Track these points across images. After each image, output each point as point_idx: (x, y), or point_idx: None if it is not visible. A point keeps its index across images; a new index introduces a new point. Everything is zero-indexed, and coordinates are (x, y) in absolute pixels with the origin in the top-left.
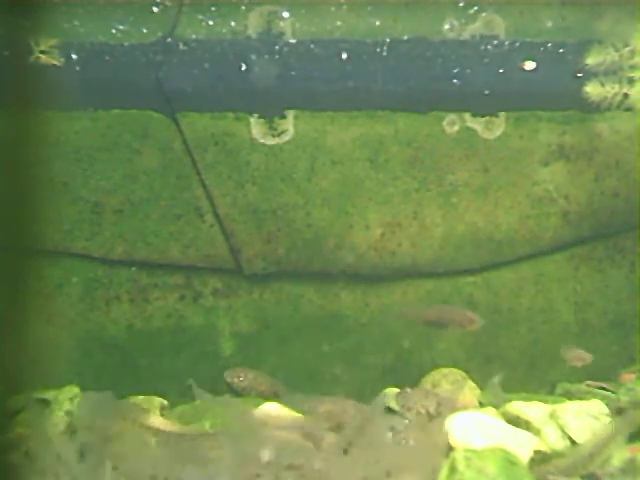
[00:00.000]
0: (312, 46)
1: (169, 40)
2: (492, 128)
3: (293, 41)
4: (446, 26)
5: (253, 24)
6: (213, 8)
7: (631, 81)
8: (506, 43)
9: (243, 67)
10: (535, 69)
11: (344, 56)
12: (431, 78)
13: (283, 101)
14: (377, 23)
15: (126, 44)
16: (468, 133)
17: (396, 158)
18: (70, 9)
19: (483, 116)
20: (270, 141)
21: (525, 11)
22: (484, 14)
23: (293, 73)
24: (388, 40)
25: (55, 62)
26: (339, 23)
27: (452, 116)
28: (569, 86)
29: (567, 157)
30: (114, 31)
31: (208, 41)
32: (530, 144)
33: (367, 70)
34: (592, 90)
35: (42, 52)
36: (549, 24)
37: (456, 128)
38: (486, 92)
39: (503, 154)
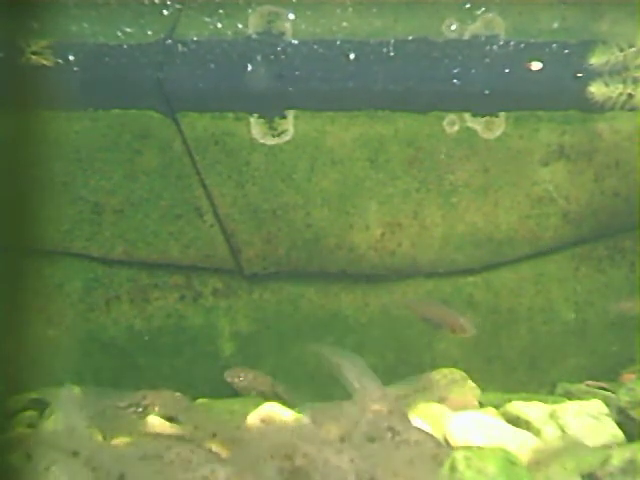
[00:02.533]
0: (315, 46)
1: (169, 41)
2: (492, 128)
3: (295, 42)
4: (448, 26)
5: (255, 24)
6: (221, 10)
7: (636, 81)
8: (509, 43)
9: (244, 68)
10: (540, 69)
11: (351, 56)
12: (431, 78)
13: (283, 101)
14: (379, 24)
15: (127, 45)
16: (468, 133)
17: (396, 158)
18: (80, 11)
19: (483, 116)
20: (270, 141)
21: (525, 12)
22: (485, 15)
23: (297, 73)
24: (392, 41)
25: (46, 63)
26: (344, 24)
27: (452, 116)
28: (570, 86)
29: (567, 157)
30: (119, 33)
31: (209, 42)
32: (530, 144)
33: (368, 71)
34: (596, 90)
35: (33, 53)
36: (549, 24)
37: (456, 128)
38: (486, 92)
39: (503, 154)
